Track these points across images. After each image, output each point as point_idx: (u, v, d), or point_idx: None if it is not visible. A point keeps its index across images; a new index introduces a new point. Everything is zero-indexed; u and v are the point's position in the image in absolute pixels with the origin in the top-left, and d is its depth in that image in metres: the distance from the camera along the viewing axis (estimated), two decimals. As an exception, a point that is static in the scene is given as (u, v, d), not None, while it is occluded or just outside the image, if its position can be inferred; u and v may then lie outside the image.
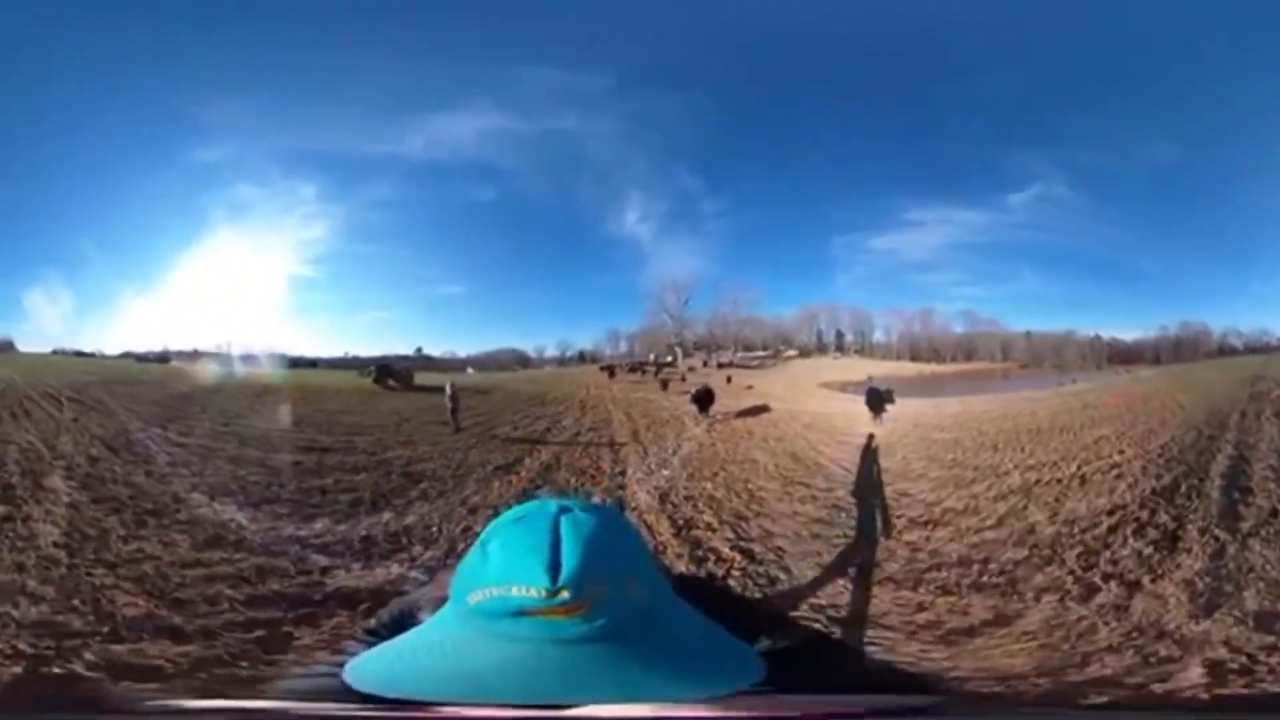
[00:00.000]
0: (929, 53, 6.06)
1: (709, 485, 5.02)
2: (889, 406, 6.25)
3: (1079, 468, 5.80)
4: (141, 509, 4.85)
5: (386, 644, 0.83)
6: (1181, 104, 6.02)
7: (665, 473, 5.01)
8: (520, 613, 0.72)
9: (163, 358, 7.06)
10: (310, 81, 5.87)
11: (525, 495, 5.14)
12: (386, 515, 4.65)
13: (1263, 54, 5.47)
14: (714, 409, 6.49)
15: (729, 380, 7.70)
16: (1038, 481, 5.55)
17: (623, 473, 5.27)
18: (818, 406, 6.99)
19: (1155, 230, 6.29)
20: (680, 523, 4.53)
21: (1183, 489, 5.29)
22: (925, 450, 5.73)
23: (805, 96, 6.53)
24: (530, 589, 0.72)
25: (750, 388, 7.54)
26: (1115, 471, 5.64)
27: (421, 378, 7.23)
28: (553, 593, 0.71)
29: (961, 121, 6.44)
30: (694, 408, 6.40)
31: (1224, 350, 6.79)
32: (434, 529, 4.50)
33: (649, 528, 4.39)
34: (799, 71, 6.32)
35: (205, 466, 5.47)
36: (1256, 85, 5.66)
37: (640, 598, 0.77)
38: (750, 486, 5.02)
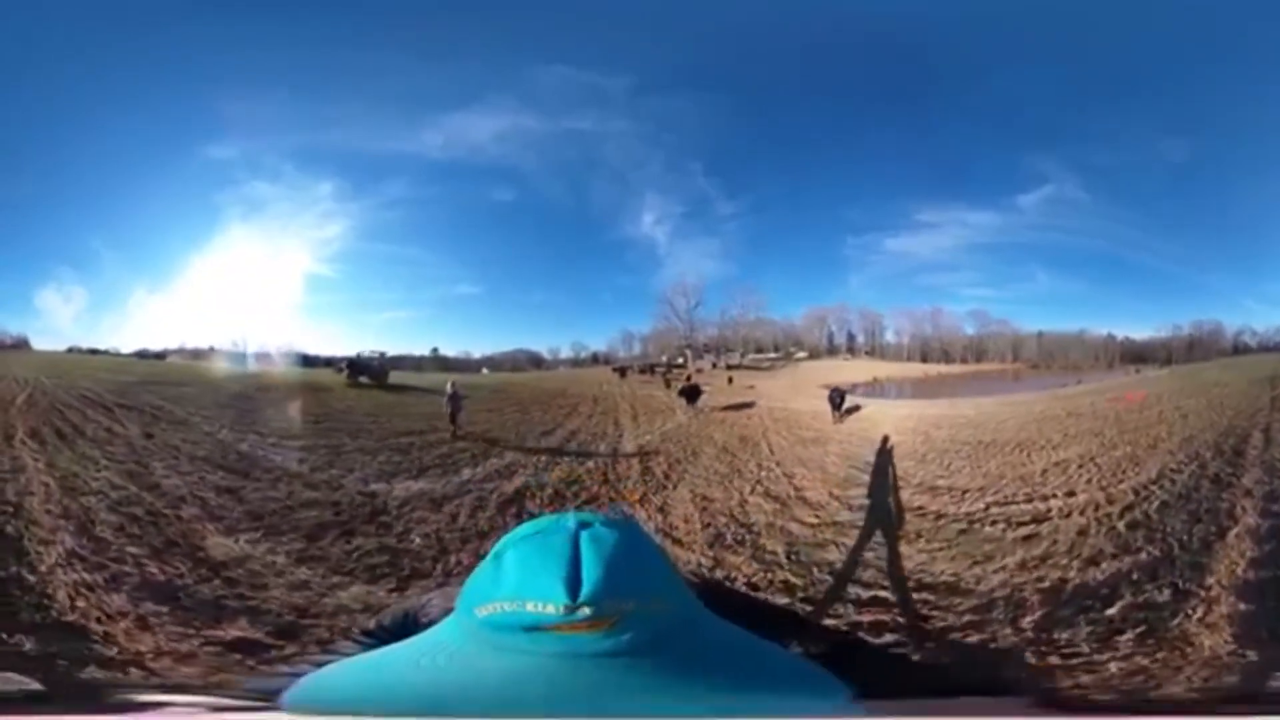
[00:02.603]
0: (943, 54, 6.09)
1: (671, 446, 6.34)
2: (848, 406, 6.77)
3: (987, 507, 4.75)
4: (362, 514, 4.79)
5: (374, 653, 0.81)
6: (1194, 103, 6.00)
7: (648, 437, 6.49)
8: (534, 628, 0.71)
9: (161, 355, 6.97)
10: (326, 78, 5.92)
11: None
12: (494, 461, 5.97)
13: (1277, 51, 5.51)
14: (708, 404, 7.29)
15: (730, 381, 7.91)
16: (916, 509, 4.90)
17: (620, 436, 6.56)
18: (800, 405, 7.09)
19: (1168, 229, 6.20)
20: (644, 462, 6.02)
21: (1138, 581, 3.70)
22: (850, 450, 6.04)
23: (821, 98, 6.57)
24: (547, 605, 0.70)
25: (751, 387, 7.73)
26: (1027, 528, 4.35)
27: (432, 379, 7.24)
28: (572, 609, 0.69)
29: (975, 123, 6.45)
30: (683, 401, 7.28)
31: (1238, 349, 6.45)
32: (526, 461, 5.98)
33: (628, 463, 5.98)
34: (814, 73, 6.36)
35: (343, 462, 5.60)
36: (1270, 83, 5.68)
37: (668, 613, 0.76)
38: (697, 451, 6.24)
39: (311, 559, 4.26)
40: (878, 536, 4.67)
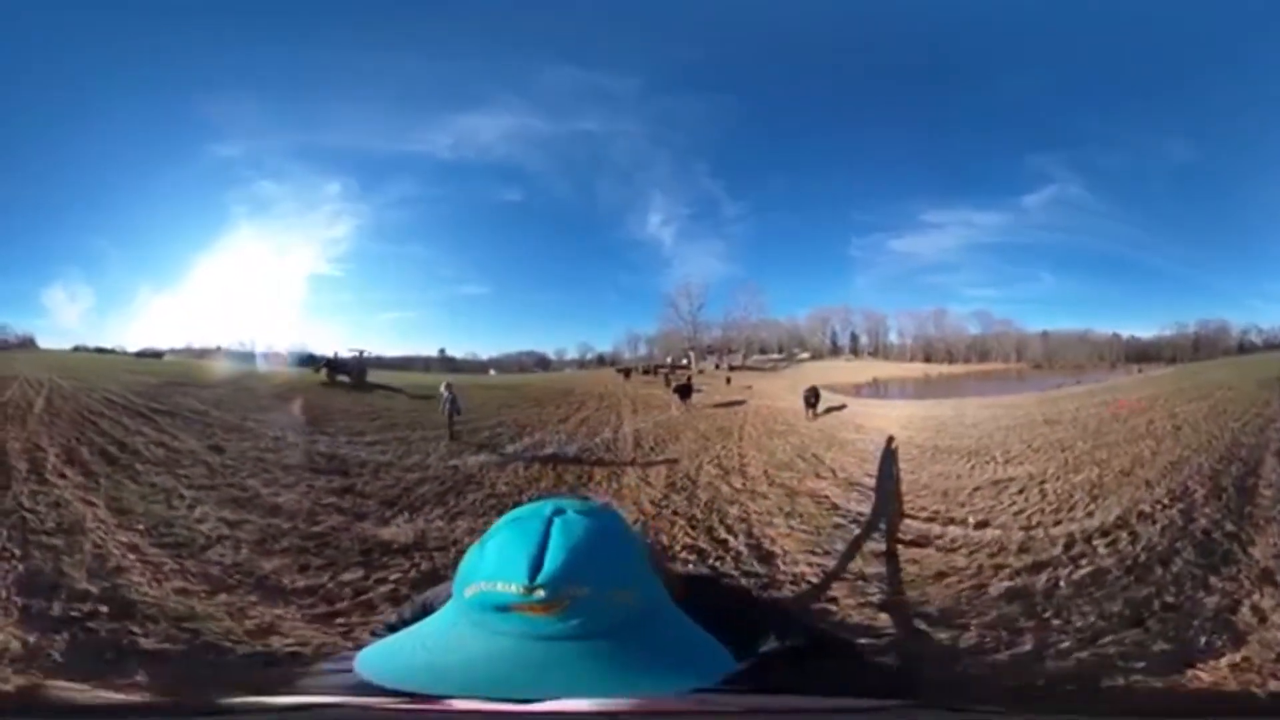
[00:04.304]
0: (948, 56, 6.12)
1: (660, 430, 7.00)
2: (828, 405, 7.08)
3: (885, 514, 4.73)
4: (459, 481, 5.53)
5: (396, 635, 0.86)
6: (1197, 103, 5.99)
7: (642, 425, 7.15)
8: (504, 608, 0.75)
9: (156, 354, 6.94)
10: (334, 78, 5.95)
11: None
12: (527, 439, 6.62)
13: (1280, 52, 5.51)
14: (702, 401, 7.71)
15: (728, 381, 8.09)
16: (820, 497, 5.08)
17: (620, 424, 7.16)
18: (786, 404, 7.27)
19: (1173, 229, 6.12)
20: (637, 441, 6.71)
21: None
22: (804, 442, 6.45)
23: (827, 101, 6.60)
24: (512, 585, 0.75)
25: (749, 387, 7.91)
26: (893, 546, 4.21)
27: (407, 378, 7.35)
28: (529, 589, 0.74)
29: (980, 125, 6.48)
30: (676, 397, 7.74)
31: (1244, 348, 6.28)
32: (550, 439, 6.64)
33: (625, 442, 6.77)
34: (821, 76, 6.40)
35: (418, 449, 6.10)
36: (1274, 85, 5.72)
37: (623, 601, 0.78)
38: (680, 435, 6.88)
39: (461, 514, 5.01)
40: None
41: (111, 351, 6.72)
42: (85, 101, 5.73)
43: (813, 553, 4.35)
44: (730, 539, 4.67)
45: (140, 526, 4.18)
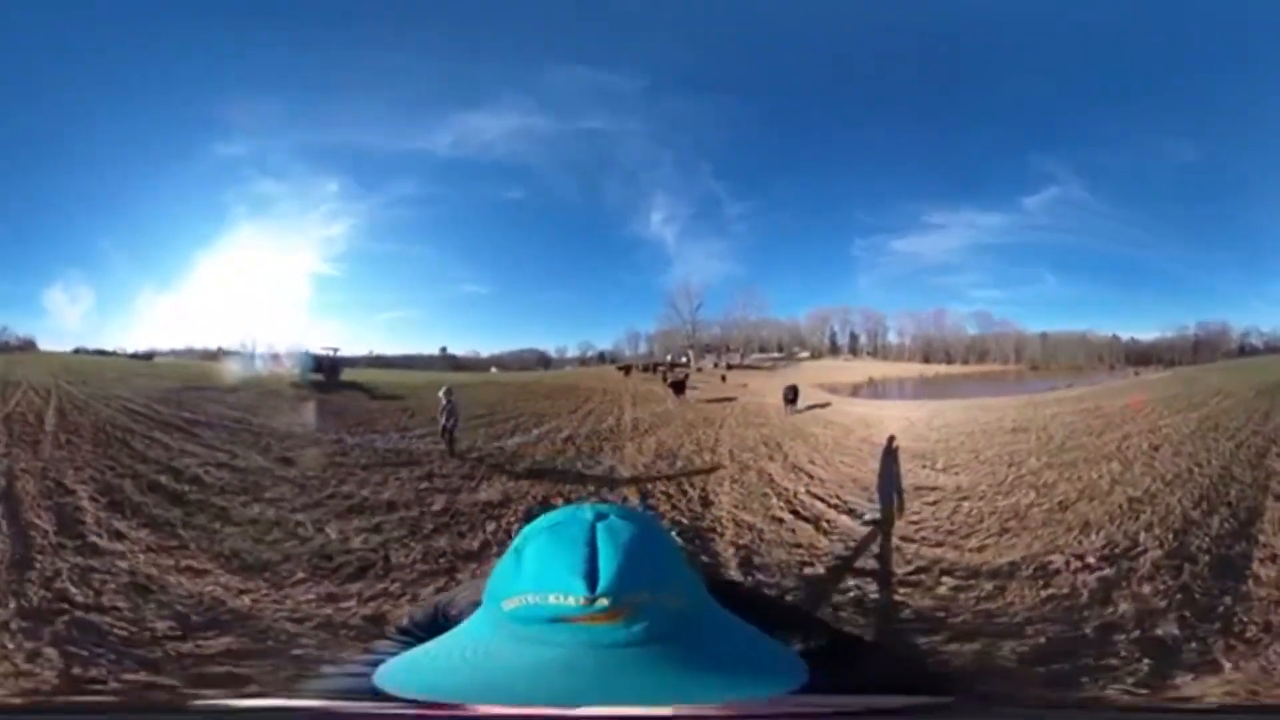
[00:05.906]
0: (952, 58, 6.11)
1: (655, 421, 7.53)
2: (810, 403, 7.46)
3: (796, 493, 5.54)
4: (506, 457, 6.44)
5: (417, 649, 0.84)
6: (1200, 105, 5.97)
7: (640, 414, 7.72)
8: (557, 619, 0.73)
9: (149, 356, 6.90)
10: (335, 76, 5.94)
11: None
12: (548, 425, 7.30)
13: (1284, 53, 5.49)
14: (696, 397, 8.13)
15: (723, 379, 8.29)
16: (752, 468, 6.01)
17: (622, 414, 7.67)
18: (771, 401, 7.51)
19: (1174, 230, 6.08)
20: (635, 427, 7.33)
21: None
22: (771, 433, 6.98)
23: (831, 102, 6.59)
24: (568, 597, 0.73)
25: (744, 385, 8.10)
26: (769, 511, 5.47)
27: (374, 376, 7.47)
28: (591, 600, 0.72)
29: (983, 125, 6.47)
30: (671, 392, 8.16)
31: (1244, 350, 6.23)
32: (565, 424, 7.33)
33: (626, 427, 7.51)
34: (825, 77, 6.39)
35: (465, 439, 6.65)
36: (1276, 84, 5.71)
37: (679, 604, 0.78)
38: (671, 419, 7.51)
39: (520, 476, 6.02)
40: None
41: (113, 354, 6.68)
42: (87, 102, 5.74)
43: (736, 507, 5.42)
44: (689, 490, 5.88)
45: (300, 575, 3.46)
